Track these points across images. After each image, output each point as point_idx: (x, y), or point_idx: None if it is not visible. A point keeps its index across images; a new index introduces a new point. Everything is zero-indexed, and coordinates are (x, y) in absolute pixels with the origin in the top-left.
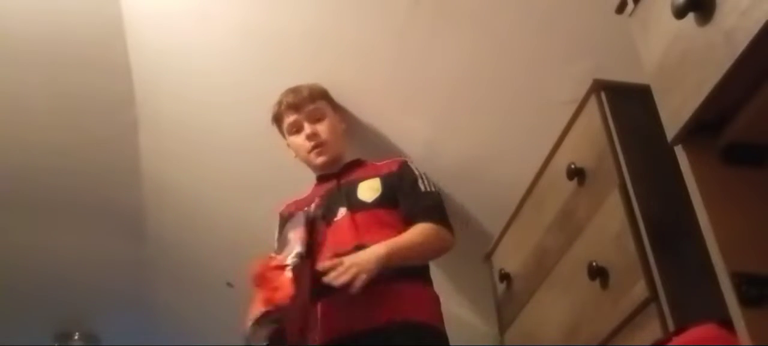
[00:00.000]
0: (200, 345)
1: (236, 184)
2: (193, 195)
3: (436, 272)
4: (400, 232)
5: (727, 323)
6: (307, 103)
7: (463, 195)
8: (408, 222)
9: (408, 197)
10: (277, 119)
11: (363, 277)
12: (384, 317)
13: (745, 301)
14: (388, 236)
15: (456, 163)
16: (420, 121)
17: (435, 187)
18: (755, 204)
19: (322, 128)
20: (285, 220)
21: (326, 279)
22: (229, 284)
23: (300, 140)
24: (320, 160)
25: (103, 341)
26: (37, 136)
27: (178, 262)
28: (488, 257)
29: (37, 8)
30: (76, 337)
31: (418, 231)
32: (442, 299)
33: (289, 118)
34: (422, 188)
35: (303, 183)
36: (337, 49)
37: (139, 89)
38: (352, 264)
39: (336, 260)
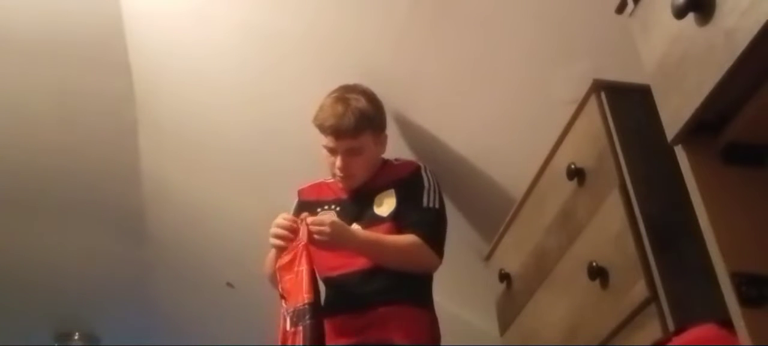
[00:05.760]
0: (200, 345)
1: (236, 184)
2: (193, 195)
3: (436, 272)
4: None
5: (727, 323)
6: (348, 138)
7: (463, 195)
8: (401, 230)
9: (408, 206)
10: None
11: (325, 234)
12: (371, 339)
13: (745, 301)
14: None
15: (455, 163)
16: (419, 120)
17: (439, 203)
18: (755, 204)
19: (357, 164)
20: (304, 205)
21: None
22: (229, 285)
23: (331, 161)
24: (343, 187)
25: (103, 341)
26: (37, 136)
27: (178, 262)
28: (488, 257)
29: (37, 8)
30: (76, 337)
31: (402, 240)
32: (442, 299)
33: (327, 141)
34: (424, 202)
35: (303, 184)
36: (337, 49)
37: (139, 89)
38: (329, 224)
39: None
